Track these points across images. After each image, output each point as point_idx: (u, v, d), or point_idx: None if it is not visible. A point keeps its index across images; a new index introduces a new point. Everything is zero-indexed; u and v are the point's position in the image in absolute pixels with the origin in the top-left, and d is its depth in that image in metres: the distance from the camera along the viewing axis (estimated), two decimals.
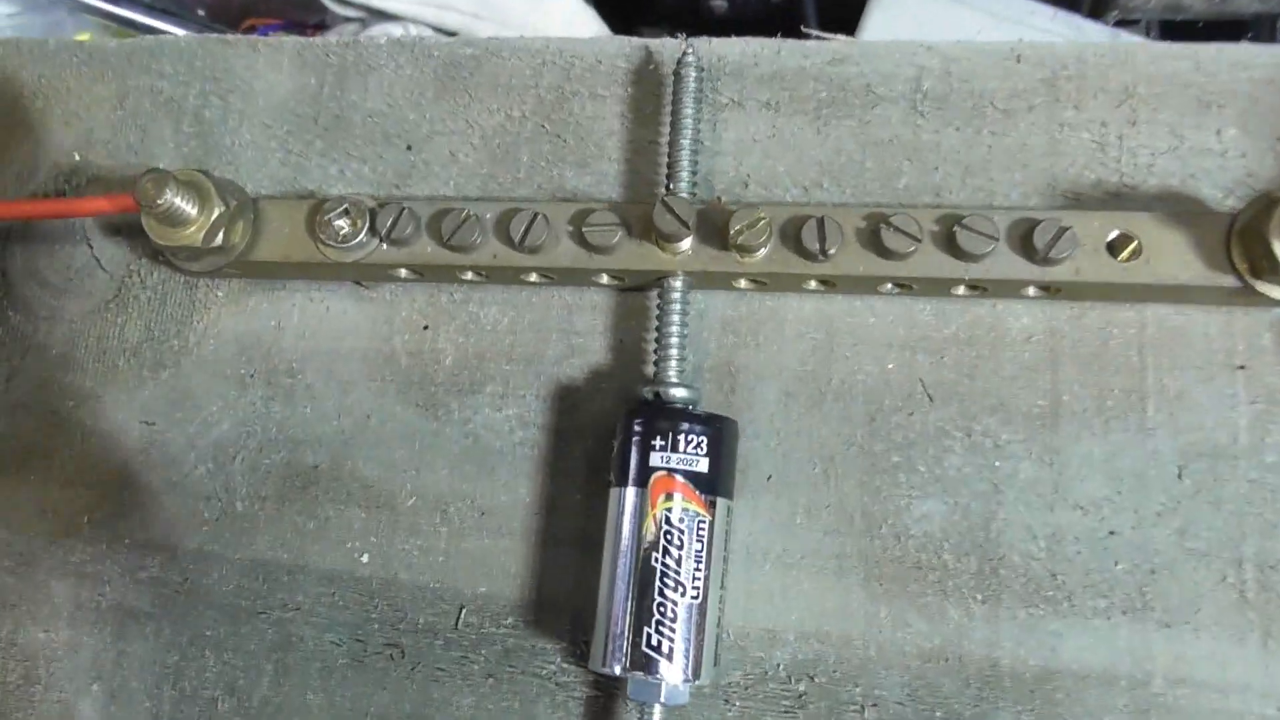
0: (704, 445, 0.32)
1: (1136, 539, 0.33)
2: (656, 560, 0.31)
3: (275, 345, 0.39)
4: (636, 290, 0.38)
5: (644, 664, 0.31)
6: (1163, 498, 0.33)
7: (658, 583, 0.31)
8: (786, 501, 0.35)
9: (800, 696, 0.34)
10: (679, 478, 0.32)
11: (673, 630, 0.31)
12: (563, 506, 0.36)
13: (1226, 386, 0.34)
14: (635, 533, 0.32)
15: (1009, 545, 0.34)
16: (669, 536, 0.31)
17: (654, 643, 0.31)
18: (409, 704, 0.36)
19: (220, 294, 0.40)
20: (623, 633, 0.31)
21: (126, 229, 0.41)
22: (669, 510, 0.32)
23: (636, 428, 0.32)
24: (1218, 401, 0.34)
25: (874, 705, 0.33)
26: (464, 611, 0.36)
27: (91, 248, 0.42)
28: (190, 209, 0.35)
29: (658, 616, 0.31)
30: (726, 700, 0.34)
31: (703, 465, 0.32)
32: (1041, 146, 0.36)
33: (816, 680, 0.34)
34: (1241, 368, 0.34)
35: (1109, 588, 0.33)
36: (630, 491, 0.32)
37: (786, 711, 0.34)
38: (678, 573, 0.31)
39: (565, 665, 0.35)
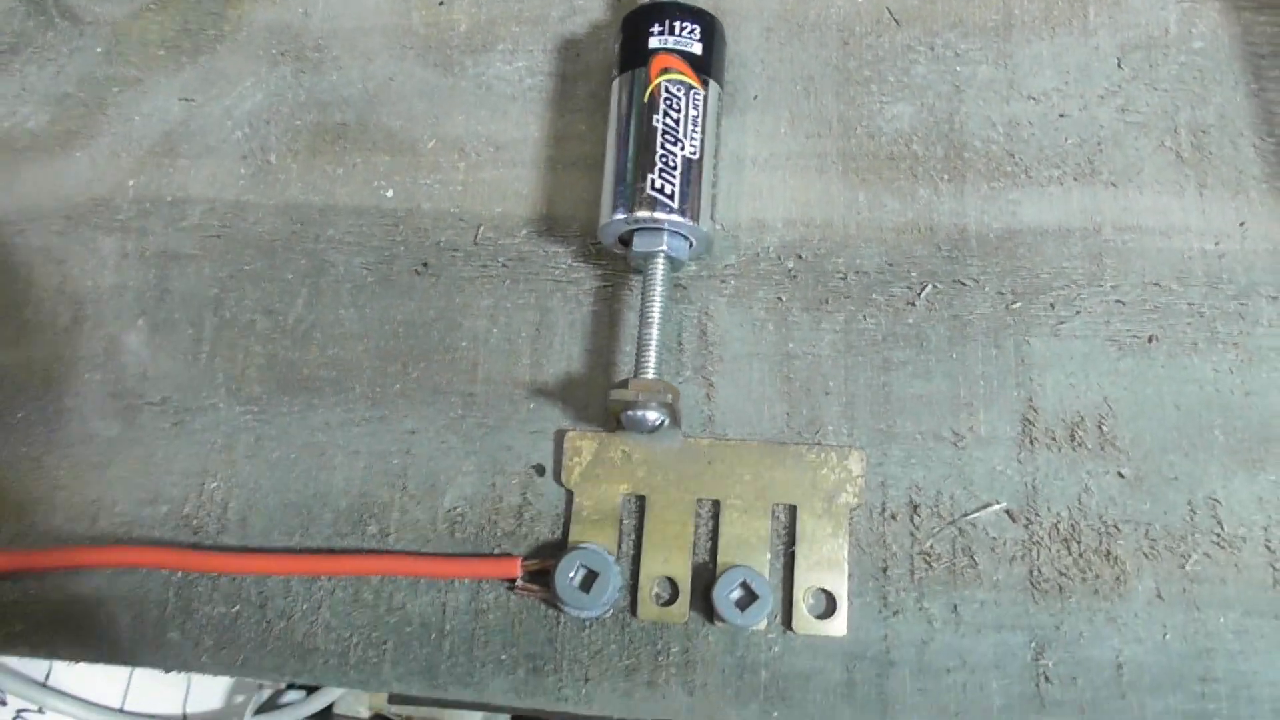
0: (697, 32, 0.36)
1: (1084, 119, 0.37)
2: (657, 120, 0.35)
3: (303, 28, 0.43)
4: None
5: (650, 204, 0.34)
6: (1105, 83, 0.38)
7: (660, 138, 0.35)
8: (771, 116, 0.39)
9: (789, 271, 0.37)
10: (675, 56, 0.36)
11: (673, 177, 0.35)
12: (569, 136, 0.40)
13: None
14: (639, 101, 0.35)
15: (971, 134, 0.38)
16: (668, 101, 0.35)
17: (657, 186, 0.34)
18: (433, 310, 0.39)
19: None
20: (630, 182, 0.35)
21: None
22: (667, 80, 0.35)
23: (639, 20, 0.36)
24: (1150, 3, 0.38)
25: (856, 272, 0.37)
26: (481, 229, 0.40)
27: None
28: None
29: (660, 166, 0.35)
30: (723, 280, 0.38)
31: (696, 48, 0.36)
32: None
33: (804, 257, 0.37)
34: None
35: (1061, 160, 0.37)
36: (634, 73, 0.36)
37: (778, 283, 0.37)
38: (676, 129, 0.35)
39: (575, 265, 0.39)
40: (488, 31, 0.42)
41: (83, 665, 0.51)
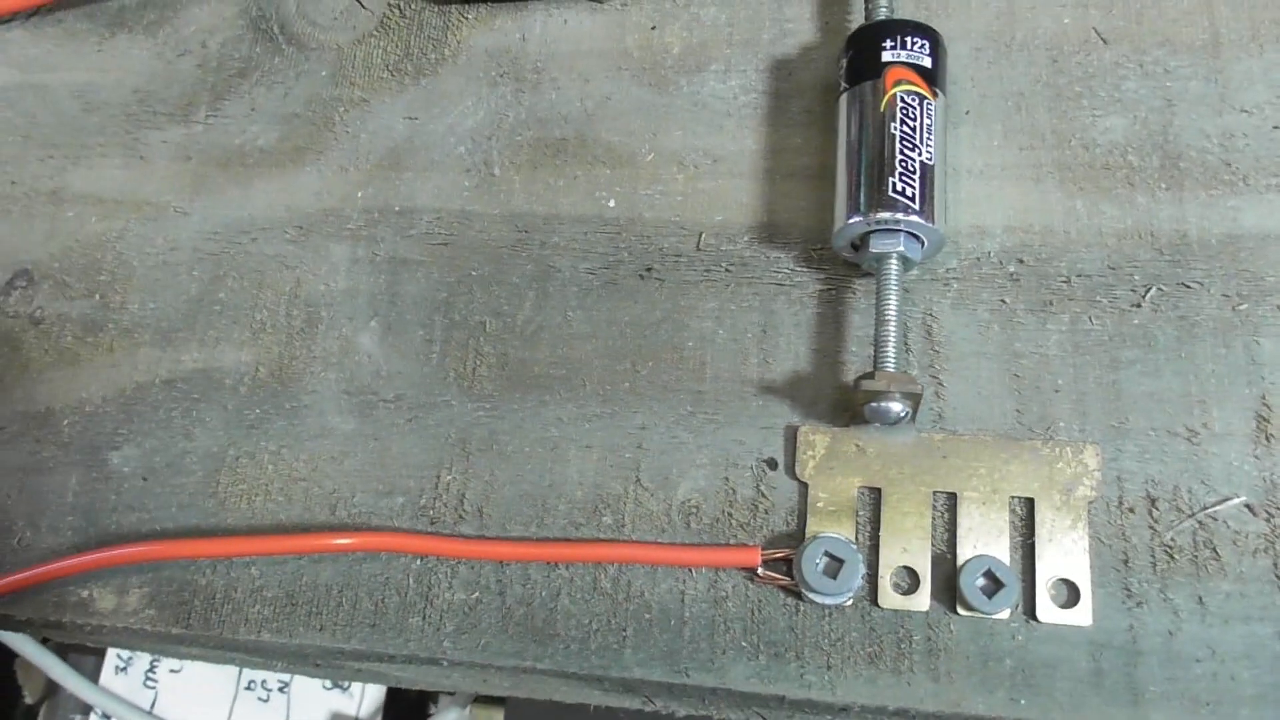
0: (926, 47, 0.38)
1: None
2: (895, 127, 0.37)
3: (521, 52, 0.46)
4: None
5: (891, 206, 0.36)
6: None
7: (899, 144, 0.37)
8: (984, 130, 0.41)
9: (1011, 275, 0.39)
10: (908, 69, 0.38)
11: (913, 180, 0.36)
12: (786, 149, 0.42)
13: None
14: (873, 111, 0.37)
15: (1186, 144, 0.39)
16: (905, 110, 0.37)
17: (899, 189, 0.36)
18: (660, 311, 0.41)
19: (469, 17, 0.47)
20: (867, 186, 0.36)
21: None
22: (902, 90, 0.37)
23: (871, 35, 0.38)
24: None
25: (1079, 275, 0.38)
26: (703, 235, 0.41)
27: None
28: None
29: (901, 170, 0.36)
30: (945, 284, 0.39)
31: (926, 62, 0.38)
32: None
33: (1025, 262, 0.39)
34: None
35: (1279, 168, 0.38)
36: (866, 85, 0.38)
37: (1001, 287, 0.39)
38: (913, 136, 0.37)
39: (797, 269, 0.40)
40: (700, 53, 0.44)
41: (188, 696, 0.53)
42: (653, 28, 0.45)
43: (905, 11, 0.43)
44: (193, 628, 0.39)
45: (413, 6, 0.48)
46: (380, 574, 0.39)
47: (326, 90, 0.47)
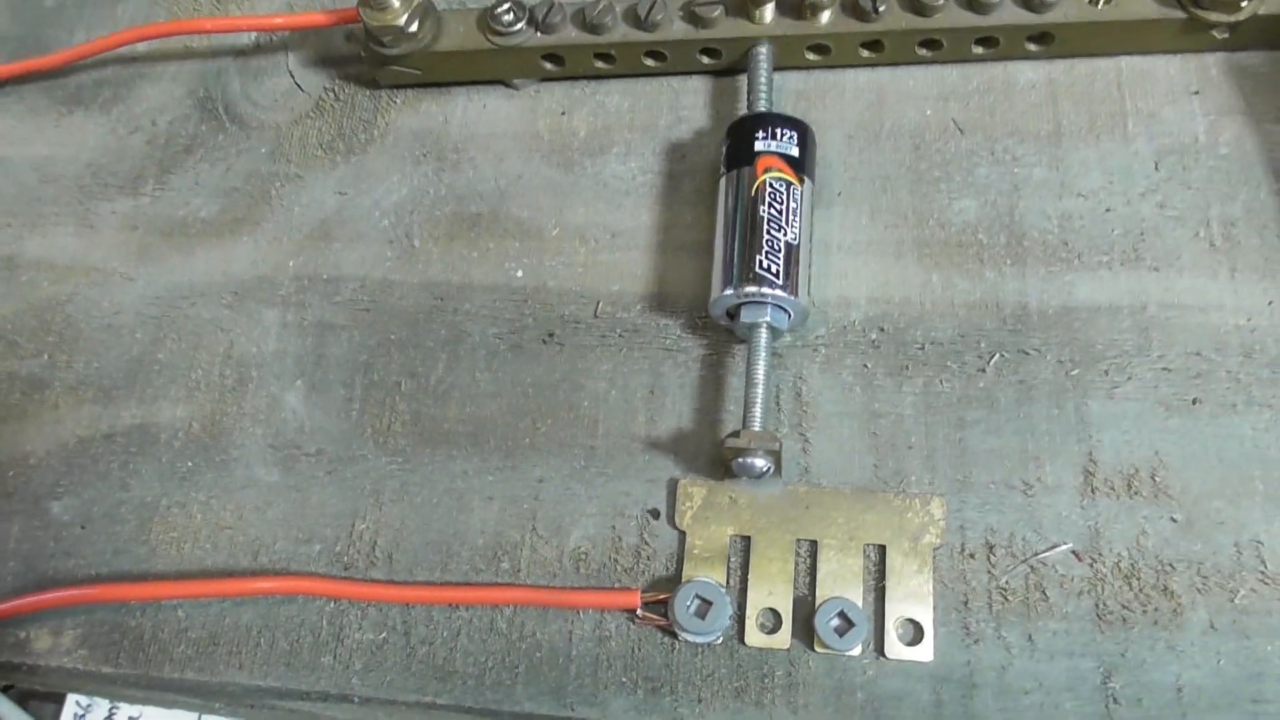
0: (795, 138, 0.43)
1: (1127, 213, 0.43)
2: (763, 210, 0.41)
3: (444, 133, 0.50)
4: (729, 74, 0.49)
5: (757, 280, 0.40)
6: (1145, 183, 0.44)
7: (766, 225, 0.41)
8: (854, 210, 0.45)
9: (873, 342, 0.43)
10: (777, 158, 0.42)
11: (777, 258, 0.40)
12: (677, 225, 0.46)
13: (1186, 106, 0.45)
14: (745, 195, 0.42)
15: (1029, 224, 0.44)
16: (773, 194, 0.41)
17: (764, 265, 0.40)
18: (559, 373, 0.44)
19: (398, 101, 0.51)
20: (738, 262, 0.41)
21: (321, 60, 0.53)
22: (771, 177, 0.42)
23: (746, 127, 0.43)
24: (1181, 116, 0.44)
25: (932, 343, 0.42)
26: (600, 304, 0.45)
27: (293, 76, 0.53)
28: None
29: (767, 248, 0.41)
30: (814, 349, 0.43)
31: (794, 151, 0.42)
32: None
33: (886, 330, 0.43)
34: (1196, 93, 0.45)
35: (1109, 248, 0.43)
36: (741, 171, 0.42)
37: (863, 352, 0.43)
38: (780, 218, 0.41)
39: (683, 335, 0.44)
40: (604, 137, 0.49)
41: None
42: (562, 113, 0.50)
43: (787, 103, 0.47)
44: (121, 666, 0.42)
45: (347, 90, 0.52)
46: (297, 616, 0.42)
47: (265, 166, 0.51)
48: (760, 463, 0.39)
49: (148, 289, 0.49)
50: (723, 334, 0.44)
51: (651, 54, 0.48)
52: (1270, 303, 0.41)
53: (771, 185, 0.42)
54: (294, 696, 0.42)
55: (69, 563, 0.44)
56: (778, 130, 0.43)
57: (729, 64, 0.48)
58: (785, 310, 0.41)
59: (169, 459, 0.45)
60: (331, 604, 0.42)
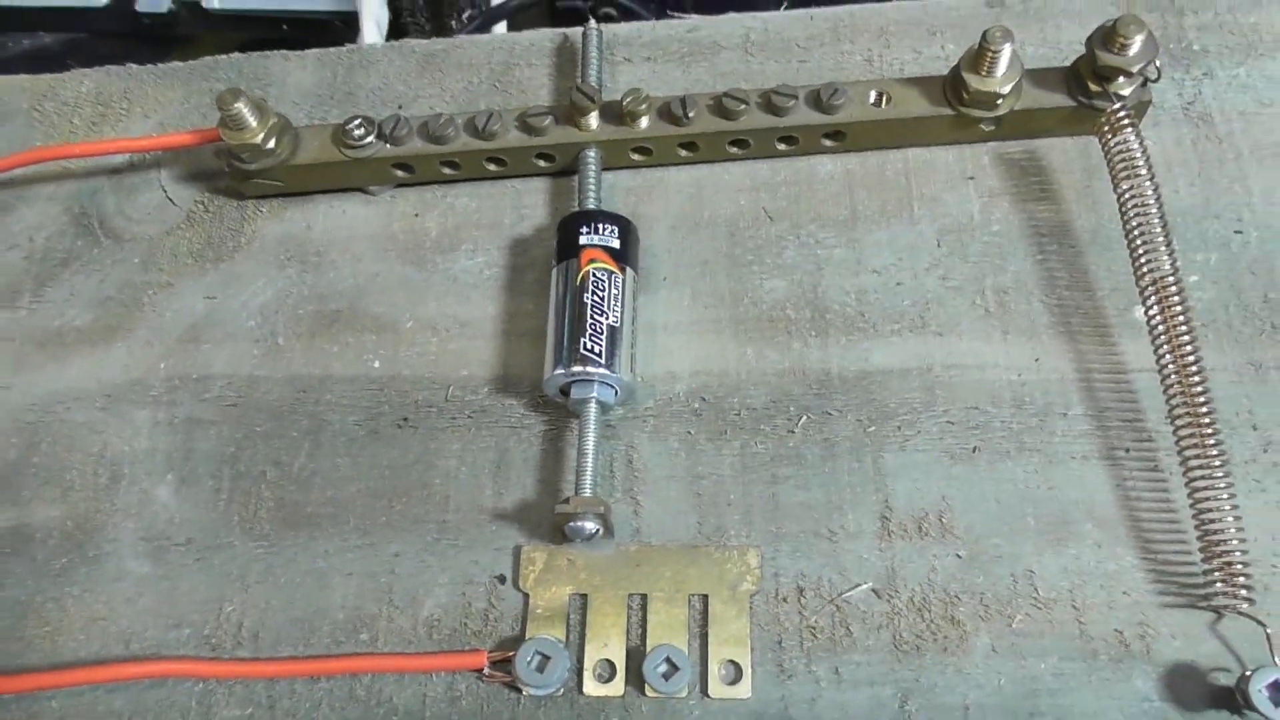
0: (615, 231, 0.48)
1: (915, 285, 0.49)
2: (587, 297, 0.46)
3: (306, 238, 0.54)
4: (564, 175, 0.54)
5: (582, 360, 0.45)
6: (929, 258, 0.49)
7: (590, 310, 0.45)
8: (677, 292, 0.50)
9: (696, 410, 0.47)
10: (600, 250, 0.47)
11: (600, 340, 0.45)
12: (519, 313, 0.51)
13: (962, 189, 0.51)
14: (572, 284, 0.46)
15: (831, 299, 0.49)
16: (596, 283, 0.46)
17: (589, 347, 0.45)
18: (413, 454, 0.48)
19: (264, 210, 0.55)
20: (566, 344, 0.45)
21: (192, 175, 0.57)
22: (594, 268, 0.46)
23: (572, 223, 0.48)
24: (958, 199, 0.51)
25: (748, 409, 0.47)
26: (450, 389, 0.49)
27: (165, 190, 0.57)
28: (253, 119, 0.50)
29: (591, 331, 0.45)
30: (644, 420, 0.48)
31: (615, 244, 0.47)
32: (830, 65, 0.55)
33: (707, 399, 0.48)
34: (971, 178, 0.51)
35: (899, 317, 0.48)
36: (569, 262, 0.47)
37: (687, 420, 0.47)
38: (603, 304, 0.46)
39: (526, 413, 0.48)
40: (454, 235, 0.53)
41: None
42: (416, 215, 0.54)
43: (619, 198, 0.53)
44: None
45: (216, 201, 0.56)
46: (167, 698, 0.44)
47: (138, 276, 0.54)
48: (590, 525, 0.43)
49: (24, 397, 0.52)
50: (561, 410, 0.48)
51: (493, 160, 0.53)
52: (1037, 359, 0.47)
53: (595, 275, 0.46)
54: None
55: None
56: (600, 225, 0.47)
57: (563, 166, 0.53)
58: (611, 386, 0.45)
59: (43, 557, 0.48)
60: (200, 684, 0.44)
